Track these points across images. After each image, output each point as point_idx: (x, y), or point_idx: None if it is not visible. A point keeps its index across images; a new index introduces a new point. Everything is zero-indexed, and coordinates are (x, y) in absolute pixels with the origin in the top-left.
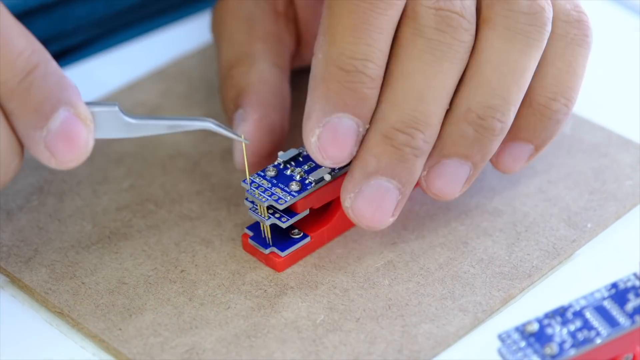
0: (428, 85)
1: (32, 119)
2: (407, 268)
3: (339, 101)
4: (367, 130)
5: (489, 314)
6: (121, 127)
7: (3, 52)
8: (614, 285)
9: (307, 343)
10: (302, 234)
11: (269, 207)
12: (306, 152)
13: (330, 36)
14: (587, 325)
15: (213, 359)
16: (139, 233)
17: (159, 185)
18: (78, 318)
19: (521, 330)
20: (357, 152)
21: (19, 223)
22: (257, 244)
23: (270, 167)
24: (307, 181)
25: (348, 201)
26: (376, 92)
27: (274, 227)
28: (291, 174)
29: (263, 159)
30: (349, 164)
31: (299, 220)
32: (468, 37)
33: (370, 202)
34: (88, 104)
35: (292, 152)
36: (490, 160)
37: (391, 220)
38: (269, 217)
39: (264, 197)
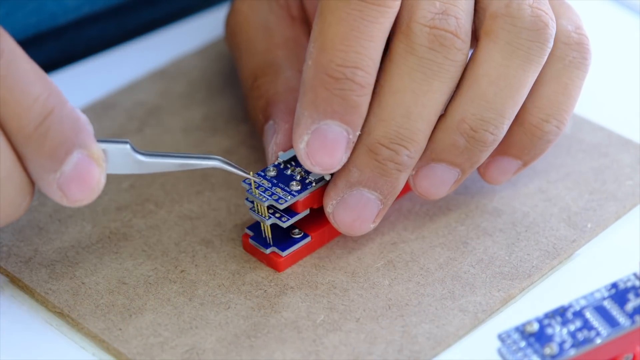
0: (416, 102)
1: (47, 163)
2: (407, 268)
3: (328, 108)
4: (356, 143)
5: (489, 314)
6: (132, 164)
7: (20, 99)
8: (614, 285)
9: (307, 343)
10: (302, 233)
11: (269, 207)
12: None
13: (321, 43)
14: (587, 325)
15: (213, 359)
16: (139, 233)
17: (159, 185)
18: (78, 318)
19: (521, 330)
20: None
21: (19, 223)
22: (257, 244)
23: (271, 167)
24: (307, 181)
25: (330, 207)
26: (366, 99)
27: (274, 227)
28: (292, 174)
29: None
30: None
31: (299, 220)
32: (461, 57)
33: (351, 210)
34: (100, 141)
35: (293, 152)
36: (478, 169)
37: (372, 226)
38: (270, 217)
39: (265, 196)
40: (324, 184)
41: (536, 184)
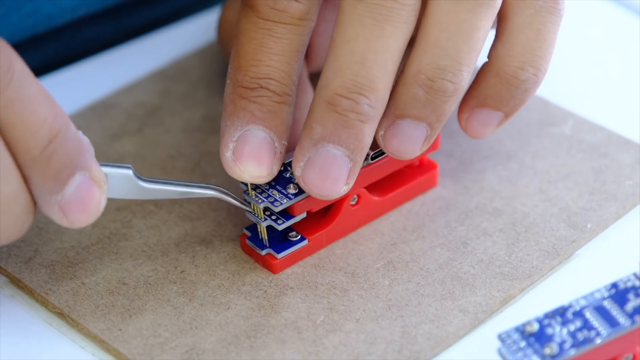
0: (370, 49)
1: (50, 185)
2: (407, 268)
3: (247, 114)
4: (313, 98)
5: (489, 314)
6: (133, 189)
7: (28, 122)
8: (614, 285)
9: (307, 343)
10: (299, 236)
11: (265, 209)
12: None
13: (236, 63)
14: (587, 325)
15: (213, 359)
16: (139, 233)
17: None
18: (78, 318)
19: (521, 330)
20: (305, 121)
21: None
22: (254, 245)
23: None
24: None
25: (298, 170)
26: (285, 107)
27: (271, 228)
28: (290, 177)
29: None
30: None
31: (298, 223)
32: (412, 0)
33: (320, 169)
34: (102, 165)
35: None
36: (460, 125)
37: (345, 189)
38: (266, 219)
39: (261, 198)
40: None
41: (536, 184)
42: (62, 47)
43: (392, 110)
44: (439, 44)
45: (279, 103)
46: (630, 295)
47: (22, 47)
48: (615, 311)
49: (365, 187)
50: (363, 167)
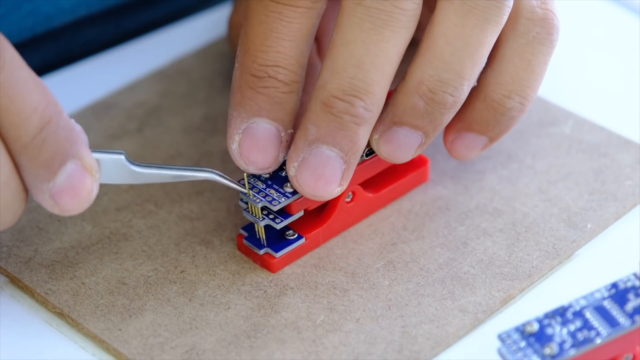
0: (367, 52)
1: (42, 172)
2: (407, 268)
3: (254, 106)
4: (310, 99)
5: (489, 314)
6: (126, 174)
7: (20, 108)
8: (614, 285)
9: (307, 343)
10: (296, 235)
11: (263, 208)
12: None
13: (244, 46)
14: (587, 325)
15: (213, 359)
16: (139, 233)
17: (158, 185)
18: (78, 318)
19: (521, 330)
20: (300, 121)
21: (19, 223)
22: (251, 245)
23: None
24: None
25: (292, 170)
26: (292, 96)
27: (268, 228)
28: (286, 175)
29: None
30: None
31: (295, 221)
32: (411, 5)
33: (313, 170)
34: (94, 151)
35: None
36: (445, 146)
37: (338, 190)
38: (263, 218)
39: (258, 198)
40: None
41: (536, 184)
42: (61, 48)
43: (390, 116)
44: (443, 58)
45: (286, 93)
46: (630, 295)
47: (22, 48)
48: (615, 311)
49: (360, 184)
50: (358, 164)
